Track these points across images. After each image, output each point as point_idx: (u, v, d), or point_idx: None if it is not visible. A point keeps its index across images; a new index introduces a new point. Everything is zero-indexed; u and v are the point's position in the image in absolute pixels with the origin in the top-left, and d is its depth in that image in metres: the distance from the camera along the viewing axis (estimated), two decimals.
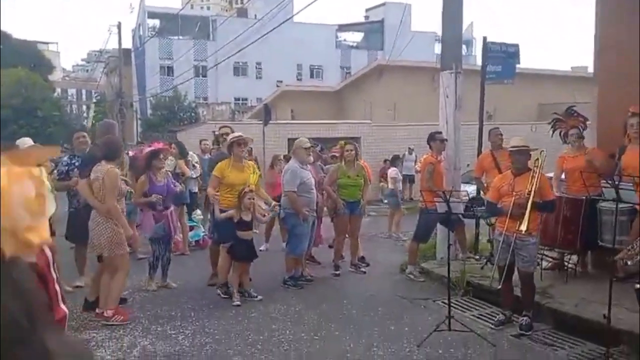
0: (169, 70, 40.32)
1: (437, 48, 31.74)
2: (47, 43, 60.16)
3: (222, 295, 6.42)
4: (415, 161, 14.95)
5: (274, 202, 7.10)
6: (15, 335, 0.55)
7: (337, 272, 7.66)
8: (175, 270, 7.37)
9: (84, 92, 61.08)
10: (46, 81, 44.01)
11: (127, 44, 41.24)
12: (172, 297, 6.53)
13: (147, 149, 7.00)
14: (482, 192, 7.82)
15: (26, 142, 6.35)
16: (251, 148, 12.94)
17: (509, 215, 5.16)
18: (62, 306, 1.44)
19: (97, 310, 5.59)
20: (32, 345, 0.57)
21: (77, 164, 6.58)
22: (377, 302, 6.31)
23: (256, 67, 42.98)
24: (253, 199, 6.46)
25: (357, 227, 7.97)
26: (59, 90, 52.13)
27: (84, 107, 58.69)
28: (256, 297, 6.39)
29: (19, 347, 0.56)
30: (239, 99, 41.17)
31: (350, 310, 6.06)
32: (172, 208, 6.96)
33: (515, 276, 5.37)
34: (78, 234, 6.17)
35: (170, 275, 7.04)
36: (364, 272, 7.80)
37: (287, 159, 8.87)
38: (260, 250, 8.22)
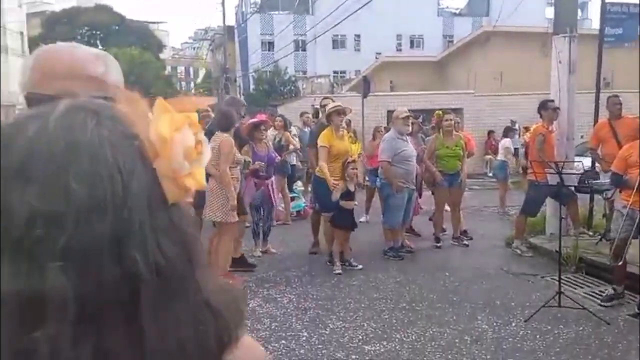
0: (270, 45, 41.15)
1: (549, 12, 29.73)
2: (157, 23, 63.58)
3: (329, 264, 6.56)
4: (519, 134, 14.18)
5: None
6: (179, 275, 0.58)
7: (439, 245, 7.56)
8: (278, 239, 7.65)
9: (191, 69, 64.14)
10: (157, 60, 46.72)
11: (231, 21, 42.59)
12: (277, 263, 6.80)
13: (250, 121, 7.27)
14: (597, 165, 7.32)
15: None
16: (349, 120, 13.01)
17: (636, 188, 4.78)
18: None
19: None
20: (192, 287, 0.60)
21: None
22: (480, 276, 6.17)
23: (355, 39, 42.70)
24: (356, 168, 6.50)
25: (458, 200, 7.78)
26: (169, 68, 55.12)
27: (192, 84, 61.69)
28: (357, 266, 6.48)
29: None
30: (337, 72, 41.22)
31: (453, 283, 5.98)
32: (272, 178, 7.20)
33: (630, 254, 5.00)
34: (196, 199, 6.56)
35: (273, 243, 7.32)
36: (467, 246, 7.62)
37: (387, 130, 8.80)
38: (360, 222, 8.30)
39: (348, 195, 6.43)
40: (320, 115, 8.20)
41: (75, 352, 0.51)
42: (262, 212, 7.05)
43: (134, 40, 45.49)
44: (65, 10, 47.14)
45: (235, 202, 5.77)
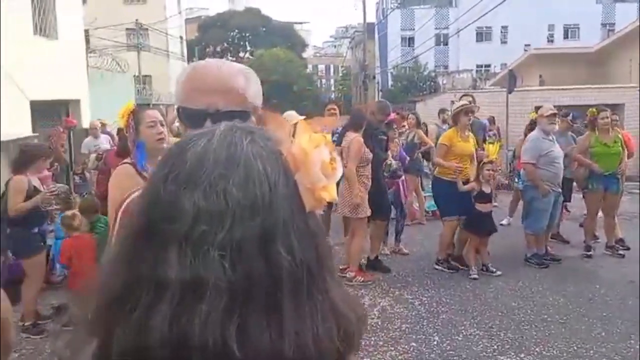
0: (410, 40, 40.71)
1: None
2: (300, 23, 66.00)
3: (444, 269, 6.31)
4: None
5: None
6: (312, 274, 0.67)
7: (589, 254, 6.91)
8: (412, 238, 7.53)
9: (331, 67, 65.68)
10: (300, 58, 48.54)
11: (371, 18, 42.83)
12: (409, 263, 6.70)
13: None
14: None
15: (292, 115, 7.08)
16: (493, 117, 12.43)
17: None
18: None
19: (340, 267, 6.05)
20: (322, 288, 0.69)
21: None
22: (636, 291, 5.54)
23: (501, 31, 40.67)
24: (493, 170, 6.19)
25: (614, 205, 7.03)
26: (310, 66, 56.96)
27: (332, 81, 63.16)
28: (495, 272, 6.16)
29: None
30: (481, 66, 39.58)
31: (604, 297, 5.44)
32: (403, 177, 7.10)
33: None
34: None
35: (406, 242, 7.22)
36: (622, 256, 6.88)
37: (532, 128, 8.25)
38: (502, 224, 7.89)
39: (484, 197, 6.14)
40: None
41: (222, 329, 0.61)
42: (394, 211, 6.99)
43: (279, 41, 47.72)
44: (219, 14, 50.89)
45: (360, 199, 5.76)
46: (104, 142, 8.94)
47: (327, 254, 0.72)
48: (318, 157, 0.71)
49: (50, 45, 10.88)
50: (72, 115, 11.46)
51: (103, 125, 9.75)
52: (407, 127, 8.57)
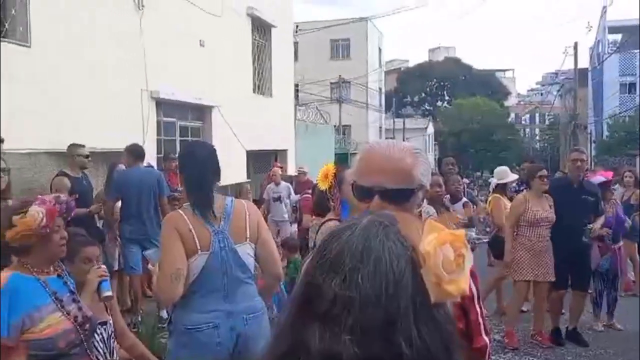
0: (630, 87, 36.70)
1: None
2: (503, 70, 64.04)
3: None
4: None
5: None
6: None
7: None
8: (626, 313, 6.57)
9: (537, 115, 62.12)
10: (502, 107, 46.91)
11: (583, 63, 39.73)
12: (620, 342, 5.83)
13: (596, 177, 6.52)
14: None
15: (504, 171, 6.87)
16: None
17: None
18: (484, 337, 1.52)
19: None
20: None
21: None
22: None
23: None
24: None
25: None
26: (513, 114, 54.63)
27: (536, 131, 59.63)
28: None
29: None
30: None
31: None
32: (621, 242, 6.27)
33: None
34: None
35: (618, 317, 6.32)
36: None
37: None
38: None
39: None
40: None
41: None
42: (607, 281, 6.19)
43: (480, 89, 46.87)
44: (418, 65, 52.00)
45: (510, 259, 5.35)
46: (284, 190, 9.14)
47: (454, 340, 0.80)
48: (441, 255, 0.79)
49: (266, 102, 12.19)
50: (279, 162, 12.59)
51: (285, 171, 10.43)
52: (623, 185, 7.66)
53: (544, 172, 5.54)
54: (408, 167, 1.40)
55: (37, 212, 2.01)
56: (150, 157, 7.77)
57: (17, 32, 5.89)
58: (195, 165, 2.53)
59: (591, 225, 5.60)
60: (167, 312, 5.74)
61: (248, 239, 2.52)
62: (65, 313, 2.09)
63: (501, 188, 6.71)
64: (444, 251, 0.80)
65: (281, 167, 10.29)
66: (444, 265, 0.79)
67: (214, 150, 2.65)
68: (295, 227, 8.67)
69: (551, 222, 5.33)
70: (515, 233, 5.37)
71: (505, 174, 6.84)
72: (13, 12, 5.85)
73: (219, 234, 2.46)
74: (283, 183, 9.44)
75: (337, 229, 0.83)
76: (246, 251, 2.51)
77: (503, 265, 5.54)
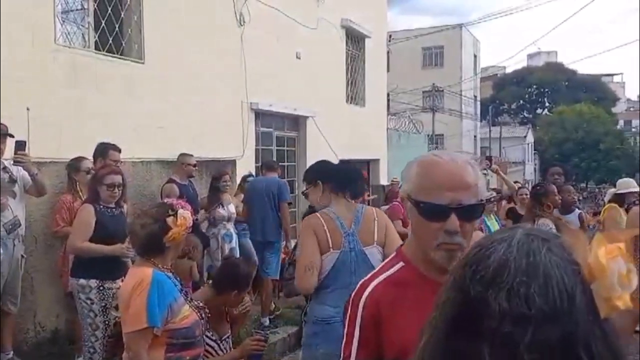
0: None
1: None
2: (611, 75, 59.93)
3: None
4: None
5: None
6: None
7: None
8: None
9: None
10: (609, 114, 43.93)
11: None
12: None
13: None
14: None
15: (629, 182, 6.47)
16: None
17: None
18: None
19: None
20: None
21: None
22: None
23: None
24: None
25: None
26: (621, 122, 50.99)
27: None
28: None
29: None
30: None
31: None
32: None
33: None
34: None
35: None
36: None
37: None
38: None
39: None
40: None
41: None
42: None
43: (584, 95, 44.24)
44: (515, 71, 49.90)
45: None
46: None
47: (624, 355, 0.77)
48: (615, 269, 0.78)
49: (358, 112, 12.27)
50: (370, 173, 12.60)
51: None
52: None
53: None
54: (474, 180, 1.36)
55: (187, 214, 2.24)
56: (250, 167, 8.07)
57: (133, 50, 6.37)
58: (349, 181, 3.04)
59: None
60: (268, 319, 5.96)
61: (376, 242, 2.79)
62: (192, 306, 2.29)
63: (618, 198, 6.33)
64: (618, 264, 0.79)
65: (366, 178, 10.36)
66: (618, 279, 0.78)
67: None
68: None
69: None
70: None
71: (628, 185, 6.45)
72: (129, 31, 6.34)
73: (350, 236, 2.77)
74: None
75: (486, 243, 0.79)
76: (374, 253, 2.76)
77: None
